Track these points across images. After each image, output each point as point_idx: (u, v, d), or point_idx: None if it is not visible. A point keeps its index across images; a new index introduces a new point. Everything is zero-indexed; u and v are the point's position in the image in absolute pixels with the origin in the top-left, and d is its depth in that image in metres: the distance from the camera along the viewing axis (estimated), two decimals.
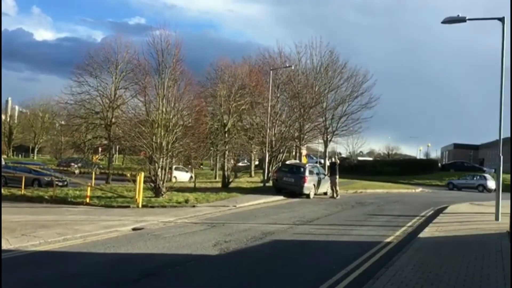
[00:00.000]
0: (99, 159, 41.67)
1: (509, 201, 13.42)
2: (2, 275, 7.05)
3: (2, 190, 19.79)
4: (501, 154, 15.75)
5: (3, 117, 65.75)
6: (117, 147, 41.85)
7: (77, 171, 36.93)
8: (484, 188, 37.98)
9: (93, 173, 26.45)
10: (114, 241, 11.16)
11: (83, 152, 35.66)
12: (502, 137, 15.98)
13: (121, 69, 32.97)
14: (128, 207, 18.05)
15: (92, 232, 11.88)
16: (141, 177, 18.79)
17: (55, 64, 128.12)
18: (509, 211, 13.18)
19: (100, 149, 38.01)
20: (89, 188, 20.15)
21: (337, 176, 24.92)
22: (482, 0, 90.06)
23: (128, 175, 23.11)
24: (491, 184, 36.75)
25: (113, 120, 31.37)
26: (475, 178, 40.79)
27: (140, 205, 18.17)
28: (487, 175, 40.46)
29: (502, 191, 15.76)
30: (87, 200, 19.08)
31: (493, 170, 43.42)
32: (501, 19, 15.73)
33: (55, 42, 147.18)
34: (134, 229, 12.90)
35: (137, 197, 18.41)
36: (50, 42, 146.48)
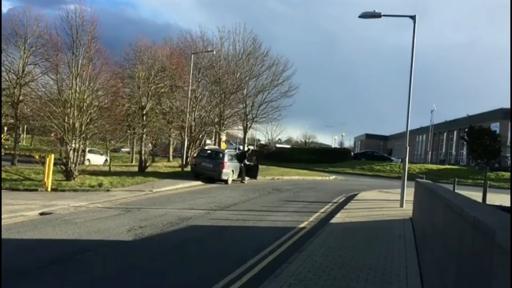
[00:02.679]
0: (4, 139, 38.81)
1: (412, 189, 14.37)
2: None
3: None
4: (407, 145, 16.83)
5: None
6: (25, 126, 39.32)
7: None
8: None
9: None
10: (19, 226, 10.53)
11: None
12: (408, 129, 17.06)
13: (31, 44, 30.65)
14: (36, 190, 17.09)
15: None
16: (50, 158, 17.77)
17: None
18: (412, 199, 14.16)
19: (5, 128, 35.37)
20: None
21: (246, 162, 25.91)
22: None
23: (37, 156, 21.74)
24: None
25: (21, 97, 29.31)
26: None
27: (49, 189, 17.27)
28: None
29: (408, 179, 16.85)
30: None
31: (400, 160, 46.37)
32: (413, 17, 16.68)
33: None
34: (41, 214, 12.25)
35: (46, 180, 17.45)
36: None
